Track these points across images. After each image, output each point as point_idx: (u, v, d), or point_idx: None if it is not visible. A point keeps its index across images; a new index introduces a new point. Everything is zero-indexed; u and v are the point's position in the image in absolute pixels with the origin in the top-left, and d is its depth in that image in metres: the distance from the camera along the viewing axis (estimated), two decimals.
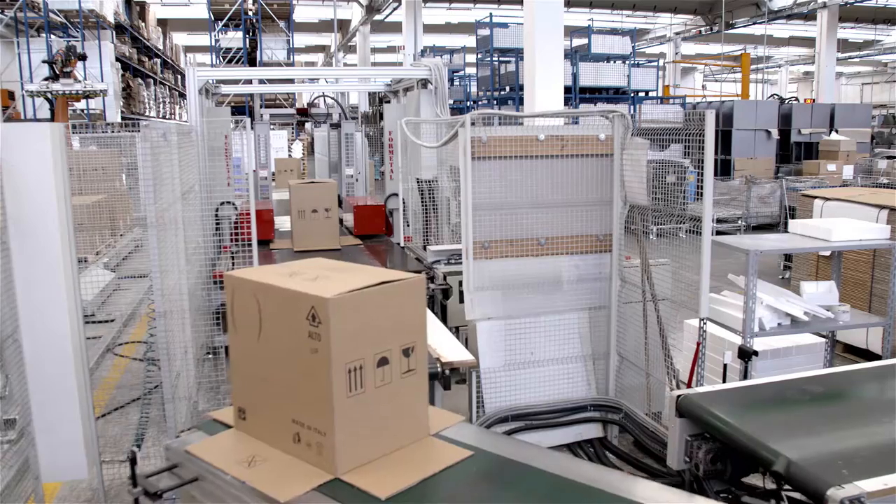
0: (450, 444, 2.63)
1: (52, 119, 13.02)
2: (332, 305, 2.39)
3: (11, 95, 15.38)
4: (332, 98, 11.56)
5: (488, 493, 2.40)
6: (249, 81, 10.83)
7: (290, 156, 21.96)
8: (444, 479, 2.44)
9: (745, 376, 4.18)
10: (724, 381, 4.49)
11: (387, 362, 2.59)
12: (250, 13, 18.01)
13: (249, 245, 5.70)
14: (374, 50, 31.58)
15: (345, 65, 31.74)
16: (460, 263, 4.59)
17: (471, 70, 22.75)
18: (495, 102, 19.50)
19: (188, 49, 34.71)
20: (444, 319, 5.62)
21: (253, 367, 2.69)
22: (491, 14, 19.11)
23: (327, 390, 2.44)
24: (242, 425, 2.76)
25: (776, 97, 22.53)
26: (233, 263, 6.34)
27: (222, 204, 6.70)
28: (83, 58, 13.32)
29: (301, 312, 2.44)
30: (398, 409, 2.61)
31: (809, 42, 30.98)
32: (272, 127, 14.19)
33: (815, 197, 7.04)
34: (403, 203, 7.53)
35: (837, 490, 2.32)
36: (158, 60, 24.99)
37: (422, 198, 7.29)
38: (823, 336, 5.13)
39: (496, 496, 2.38)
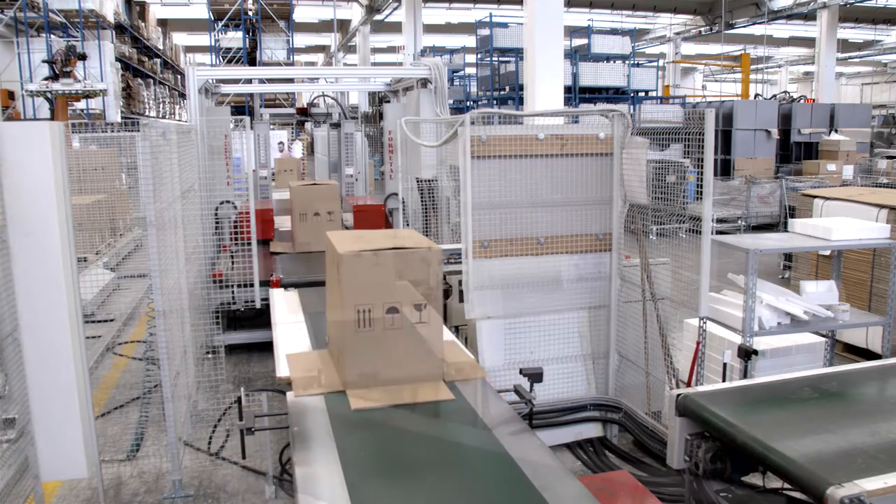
0: (444, 387, 3.34)
1: (52, 119, 13.02)
2: (344, 260, 3.25)
3: (11, 95, 15.37)
4: (333, 98, 11.55)
5: (422, 425, 3.11)
6: (249, 81, 10.84)
7: (289, 155, 21.93)
8: (411, 409, 3.17)
9: (745, 375, 4.17)
10: (724, 381, 4.48)
11: (396, 311, 3.29)
12: (250, 13, 17.99)
13: (249, 244, 5.71)
14: (374, 50, 31.56)
15: (345, 65, 31.72)
16: (460, 262, 4.59)
17: (471, 70, 22.74)
18: (495, 102, 19.48)
19: (188, 49, 34.69)
20: (444, 319, 5.61)
21: (330, 302, 3.63)
22: (491, 14, 19.09)
23: (340, 325, 3.33)
24: (330, 347, 3.76)
25: (786, 94, 22.45)
26: (232, 263, 6.34)
27: (222, 203, 6.70)
28: (83, 57, 13.31)
29: (336, 263, 3.31)
30: (408, 352, 3.34)
31: (809, 42, 30.97)
32: (272, 127, 14.17)
33: (816, 196, 7.03)
34: (403, 203, 7.52)
35: (837, 489, 2.31)
36: (158, 60, 24.98)
37: (422, 197, 7.28)
38: (823, 335, 5.12)
39: (423, 429, 3.08)
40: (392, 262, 3.24)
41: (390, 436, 2.97)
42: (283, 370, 3.80)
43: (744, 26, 26.26)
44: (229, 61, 18.18)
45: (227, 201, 6.84)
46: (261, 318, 6.55)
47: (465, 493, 2.57)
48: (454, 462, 2.81)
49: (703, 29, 28.46)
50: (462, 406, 3.17)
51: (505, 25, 18.88)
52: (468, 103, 21.55)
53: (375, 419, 3.07)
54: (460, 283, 4.97)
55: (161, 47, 25.01)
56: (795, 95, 22.89)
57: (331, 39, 30.89)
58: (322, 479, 2.61)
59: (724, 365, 4.42)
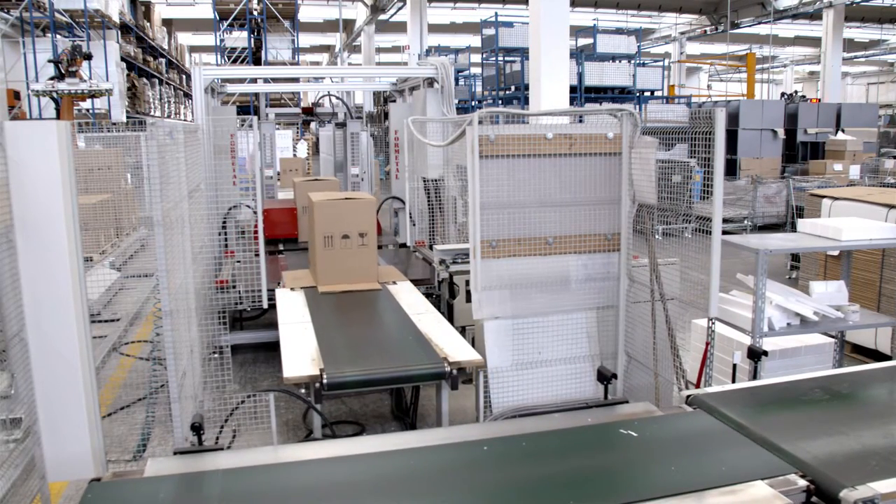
0: (376, 283, 5.49)
1: (58, 118, 13.03)
2: (316, 205, 5.49)
3: (17, 95, 15.37)
4: (338, 97, 11.55)
5: (359, 304, 5.17)
6: (255, 81, 10.84)
7: (294, 155, 21.97)
8: (355, 295, 5.31)
9: (754, 376, 4.15)
10: (733, 381, 4.46)
11: (348, 238, 5.46)
12: (255, 13, 18.00)
13: (270, 243, 5.74)
14: (379, 50, 31.56)
15: (349, 65, 31.72)
16: (467, 262, 4.57)
17: (476, 70, 22.73)
18: (500, 102, 19.47)
19: (193, 49, 34.70)
20: (450, 319, 5.59)
21: (309, 234, 5.77)
22: (496, 13, 19.08)
23: (314, 246, 5.55)
24: (310, 265, 5.92)
25: (794, 94, 22.31)
26: (237, 260, 6.32)
27: (234, 207, 6.66)
28: (88, 57, 13.30)
29: (311, 208, 5.62)
30: (356, 264, 5.49)
31: (815, 42, 30.91)
32: (277, 126, 14.17)
33: (824, 196, 7.00)
34: (402, 203, 7.51)
35: (851, 491, 2.29)
36: (163, 60, 24.99)
37: (428, 197, 7.26)
38: (832, 336, 5.10)
39: (364, 309, 5.11)
40: (345, 207, 5.44)
41: (341, 304, 5.14)
42: (288, 370, 3.80)
43: (749, 26, 26.21)
44: (234, 61, 18.20)
45: (242, 205, 6.78)
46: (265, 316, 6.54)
47: (374, 322, 4.93)
48: (373, 312, 5.06)
49: (708, 28, 28.41)
50: (385, 293, 5.32)
51: (510, 25, 18.87)
52: (473, 103, 21.54)
53: (332, 297, 5.28)
54: (467, 283, 4.95)
55: (166, 47, 25.03)
56: (799, 95, 22.80)
57: (335, 39, 30.90)
58: (298, 320, 4.62)
59: (734, 366, 4.40)
